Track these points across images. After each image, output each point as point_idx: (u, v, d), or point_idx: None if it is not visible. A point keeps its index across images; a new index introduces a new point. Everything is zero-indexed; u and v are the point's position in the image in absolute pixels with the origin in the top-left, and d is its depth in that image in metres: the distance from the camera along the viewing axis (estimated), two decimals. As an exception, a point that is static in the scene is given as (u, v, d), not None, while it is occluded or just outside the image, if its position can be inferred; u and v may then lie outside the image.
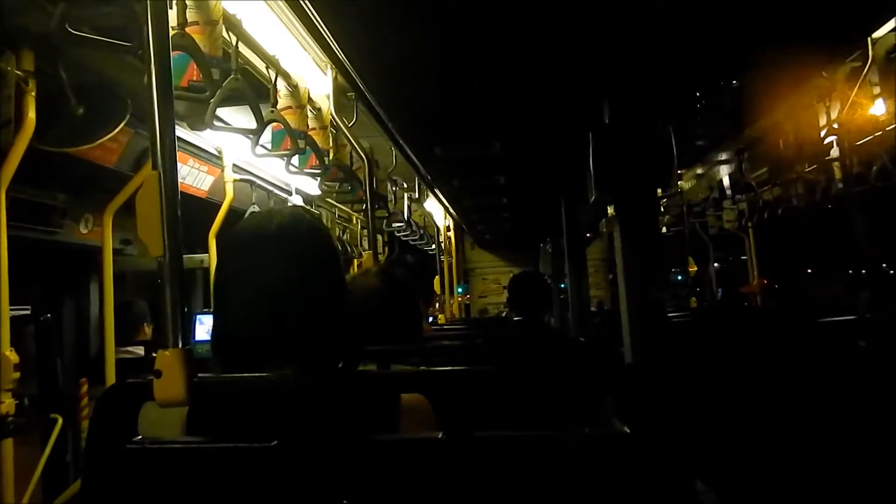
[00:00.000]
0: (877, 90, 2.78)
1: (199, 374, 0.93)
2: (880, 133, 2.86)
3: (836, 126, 2.87)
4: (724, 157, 4.75)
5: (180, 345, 0.93)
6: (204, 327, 3.41)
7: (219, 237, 3.47)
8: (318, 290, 1.03)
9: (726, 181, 5.33)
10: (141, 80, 0.99)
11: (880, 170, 3.04)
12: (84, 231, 3.12)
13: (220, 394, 0.97)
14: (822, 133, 3.36)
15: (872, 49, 2.65)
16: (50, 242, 2.94)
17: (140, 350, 3.42)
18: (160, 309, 0.94)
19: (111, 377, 2.73)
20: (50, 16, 1.54)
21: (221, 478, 0.88)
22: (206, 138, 3.30)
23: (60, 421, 2.70)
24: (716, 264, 7.35)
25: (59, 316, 3.39)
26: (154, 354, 0.92)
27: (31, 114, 1.95)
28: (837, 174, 3.68)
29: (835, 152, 3.40)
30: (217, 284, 1.05)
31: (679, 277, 8.04)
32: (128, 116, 2.33)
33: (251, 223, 1.11)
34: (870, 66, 2.67)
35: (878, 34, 2.62)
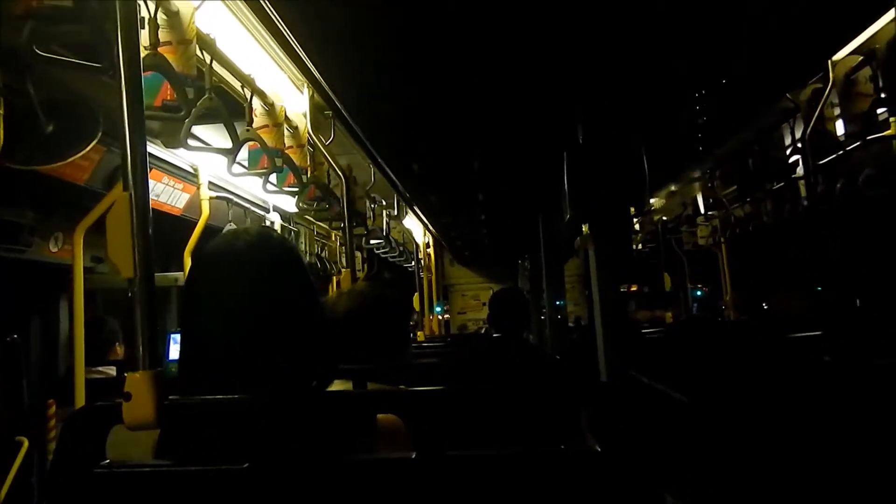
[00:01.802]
0: (838, 111, 2.86)
1: (170, 397, 0.92)
2: (842, 152, 2.95)
3: (800, 146, 2.95)
4: (696, 175, 4.86)
5: (151, 367, 0.92)
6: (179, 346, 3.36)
7: (194, 255, 3.43)
8: (288, 308, 1.03)
9: (699, 198, 5.44)
10: (114, 97, 0.98)
11: (843, 187, 3.13)
12: (54, 249, 3.07)
13: (191, 416, 0.96)
14: (788, 152, 3.46)
15: (833, 71, 2.73)
16: (18, 261, 2.88)
17: (112, 370, 3.35)
18: (131, 331, 0.93)
19: (81, 398, 2.67)
20: (18, 32, 1.52)
21: (192, 502, 0.87)
22: (181, 156, 3.28)
23: (26, 443, 2.63)
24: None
25: (26, 336, 3.31)
26: (126, 375, 0.91)
27: (-1, 132, 1.92)
28: (803, 192, 3.78)
29: (801, 170, 3.49)
30: (186, 303, 1.04)
31: (698, 293, 7.44)
32: (99, 134, 2.31)
33: (219, 242, 1.11)
34: (831, 88, 2.76)
35: (837, 56, 2.72)
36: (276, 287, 1.02)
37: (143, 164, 0.97)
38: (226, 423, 0.94)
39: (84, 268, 2.80)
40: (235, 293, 0.99)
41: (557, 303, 4.93)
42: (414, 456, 0.87)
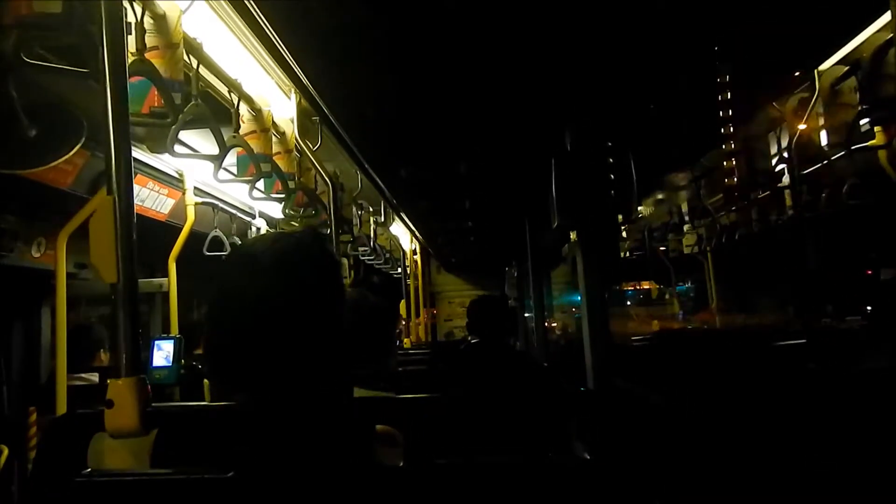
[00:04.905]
0: (823, 121, 2.89)
1: (154, 404, 0.90)
2: (827, 162, 2.98)
3: (786, 155, 2.98)
4: (682, 182, 4.90)
5: (133, 373, 0.91)
6: (162, 353, 3.31)
7: (179, 261, 3.40)
8: (313, 319, 1.01)
9: (685, 206, 5.48)
10: (99, 101, 0.97)
11: (828, 197, 3.17)
12: (36, 254, 3.03)
13: (191, 423, 0.94)
14: (774, 161, 3.50)
15: (819, 81, 2.76)
16: None
17: (94, 377, 3.30)
18: (113, 337, 0.91)
19: (62, 406, 2.63)
20: (5, 37, 1.50)
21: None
22: (166, 161, 3.25)
23: (6, 451, 2.59)
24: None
25: (7, 341, 3.26)
26: (108, 382, 0.89)
27: (-19, 135, 1.90)
28: (789, 201, 3.82)
29: (786, 179, 3.53)
30: (215, 301, 1.01)
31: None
32: (83, 138, 2.28)
33: (256, 243, 1.09)
34: (816, 98, 2.78)
35: (823, 66, 2.75)
36: (302, 298, 0.99)
37: (127, 168, 0.96)
38: (222, 431, 0.93)
39: (67, 273, 2.77)
40: (262, 298, 0.96)
41: (543, 310, 4.93)
42: (404, 465, 0.86)
